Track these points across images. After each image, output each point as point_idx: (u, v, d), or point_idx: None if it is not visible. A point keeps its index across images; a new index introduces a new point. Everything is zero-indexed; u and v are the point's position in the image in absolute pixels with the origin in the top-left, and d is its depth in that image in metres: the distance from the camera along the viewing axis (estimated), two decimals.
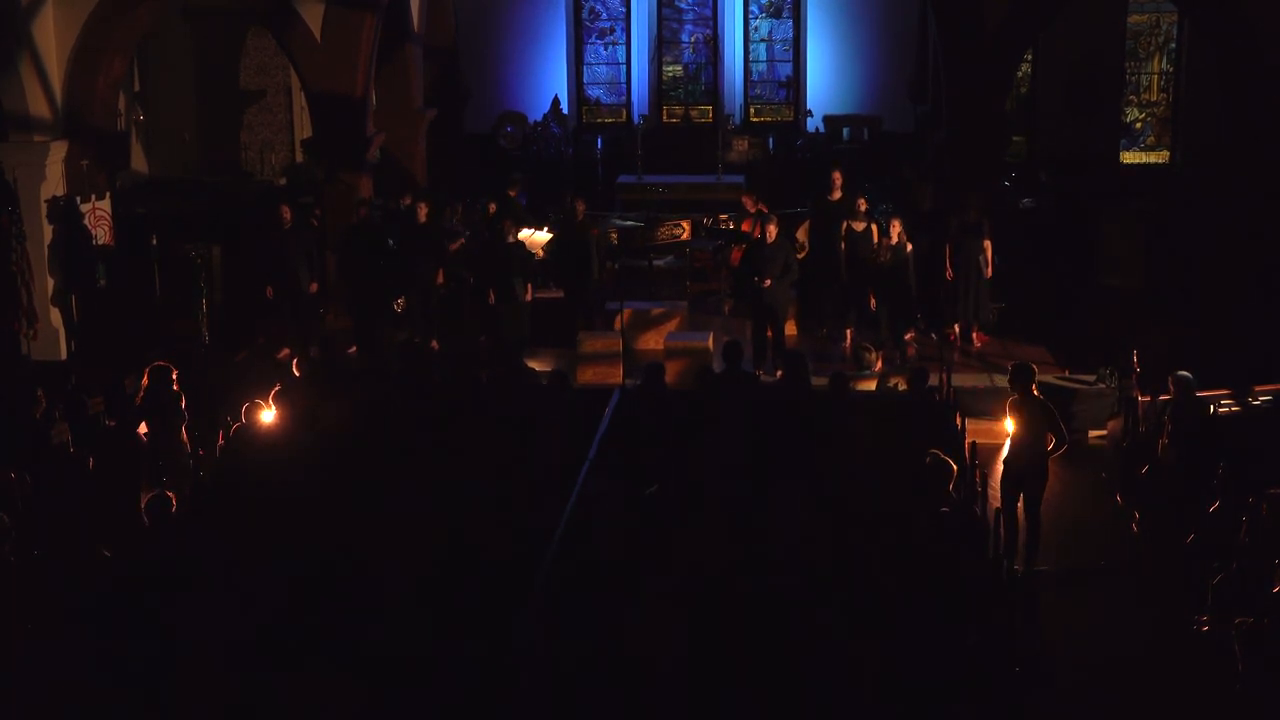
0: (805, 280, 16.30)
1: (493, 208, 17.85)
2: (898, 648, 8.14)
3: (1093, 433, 14.46)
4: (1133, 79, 22.24)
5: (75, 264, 16.57)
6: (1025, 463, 11.43)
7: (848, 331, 16.00)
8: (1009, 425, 11.55)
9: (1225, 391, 12.75)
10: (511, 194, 18.01)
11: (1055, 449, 11.41)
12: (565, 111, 23.40)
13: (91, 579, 9.52)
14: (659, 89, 23.90)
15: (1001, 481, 11.60)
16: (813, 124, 23.17)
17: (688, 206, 19.69)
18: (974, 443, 11.46)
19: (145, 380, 12.23)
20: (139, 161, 21.47)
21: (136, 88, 21.55)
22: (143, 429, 12.08)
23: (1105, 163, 21.44)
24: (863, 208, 15.88)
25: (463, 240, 16.90)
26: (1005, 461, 11.62)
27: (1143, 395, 13.32)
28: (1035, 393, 11.48)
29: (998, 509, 11.04)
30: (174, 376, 12.25)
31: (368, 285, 16.33)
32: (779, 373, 14.24)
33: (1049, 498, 11.64)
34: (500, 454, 11.15)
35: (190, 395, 12.59)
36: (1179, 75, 21.99)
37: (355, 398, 12.71)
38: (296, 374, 13.07)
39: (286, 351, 15.64)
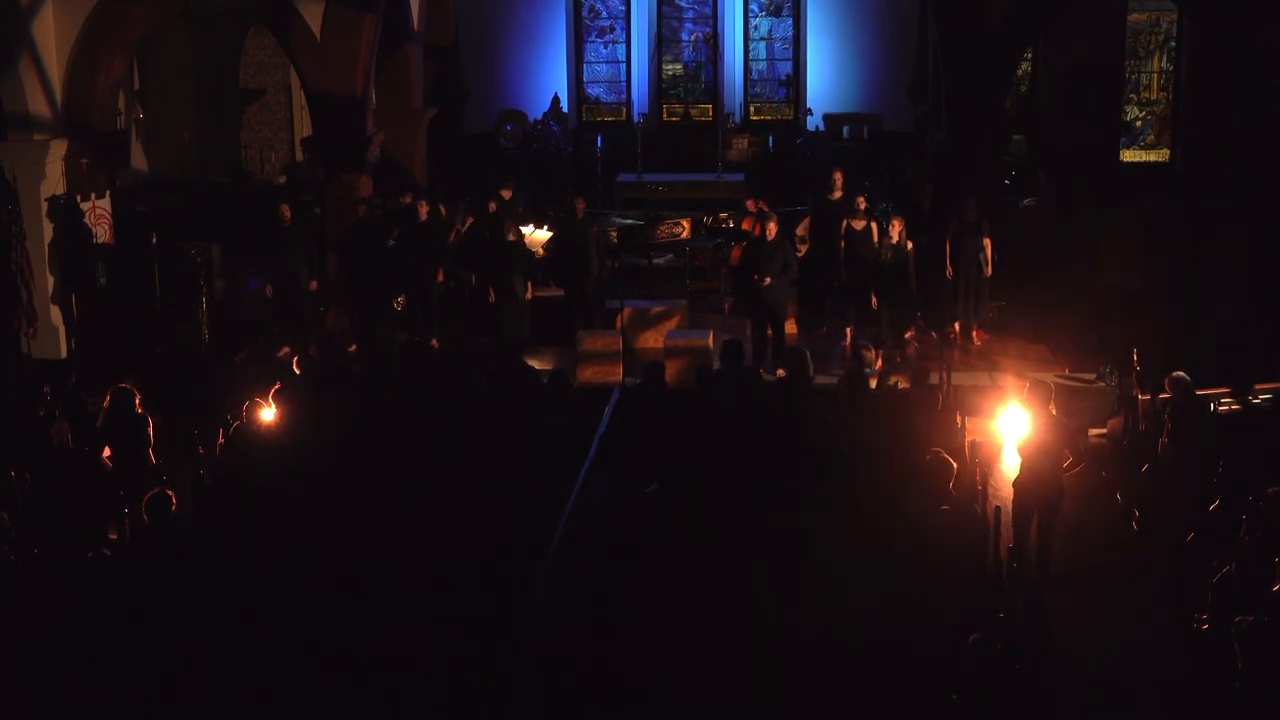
0: (805, 279, 16.31)
1: (492, 206, 17.84)
2: (898, 647, 8.15)
3: (1093, 431, 14.45)
4: (1133, 77, 22.23)
5: (75, 263, 16.56)
6: (1039, 485, 10.84)
7: (848, 330, 16.00)
8: (1021, 446, 10.88)
9: (1225, 391, 12.74)
10: (506, 195, 17.96)
11: (1072, 467, 10.92)
12: (565, 110, 23.41)
13: (91, 579, 9.52)
14: (659, 87, 23.90)
15: (1014, 505, 10.99)
16: (812, 122, 23.18)
17: (687, 205, 19.74)
18: (974, 442, 11.43)
19: (107, 403, 12.03)
20: (139, 161, 21.47)
21: (136, 87, 21.54)
22: (106, 453, 11.84)
23: (1105, 162, 21.42)
24: (862, 206, 15.89)
25: (458, 229, 16.88)
26: (1016, 485, 11.03)
27: (1143, 394, 13.31)
28: (1052, 410, 10.93)
29: (997, 507, 11.00)
30: (137, 399, 12.04)
31: (368, 284, 16.34)
32: (779, 371, 14.23)
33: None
34: (500, 453, 11.15)
35: (172, 408, 12.45)
36: (1179, 73, 21.97)
37: (355, 397, 12.70)
38: (296, 373, 13.07)
39: (286, 351, 15.66)
